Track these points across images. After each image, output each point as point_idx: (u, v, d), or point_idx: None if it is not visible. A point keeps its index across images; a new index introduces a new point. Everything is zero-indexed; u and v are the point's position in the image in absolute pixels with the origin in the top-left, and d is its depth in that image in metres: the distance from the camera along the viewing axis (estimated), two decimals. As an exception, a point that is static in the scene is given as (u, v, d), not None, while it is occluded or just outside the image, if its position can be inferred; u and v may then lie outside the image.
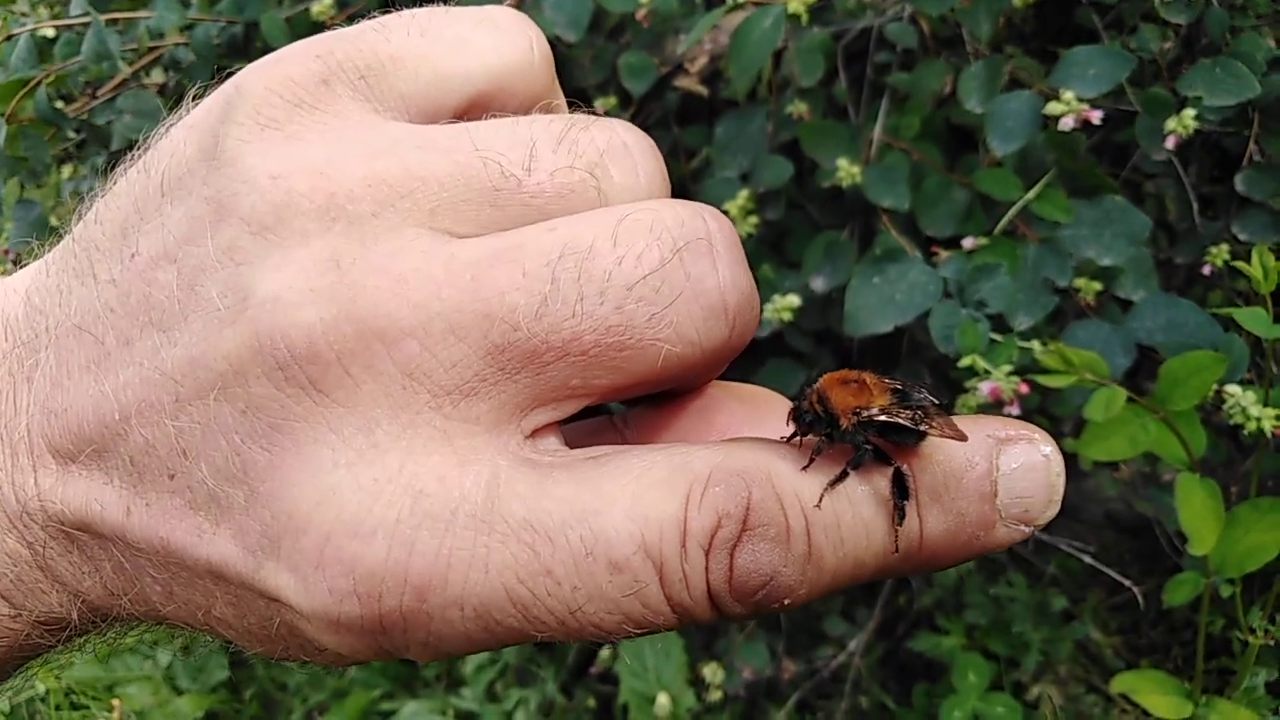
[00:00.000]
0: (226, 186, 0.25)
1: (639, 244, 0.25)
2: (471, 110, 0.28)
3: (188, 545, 0.25)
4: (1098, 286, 0.80)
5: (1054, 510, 0.27)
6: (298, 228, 0.24)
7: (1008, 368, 0.70)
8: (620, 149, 0.28)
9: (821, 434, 0.27)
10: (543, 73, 0.30)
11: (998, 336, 0.73)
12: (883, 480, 0.26)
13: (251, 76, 0.27)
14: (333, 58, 0.27)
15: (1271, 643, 0.78)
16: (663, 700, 1.11)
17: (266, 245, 0.24)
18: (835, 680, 1.18)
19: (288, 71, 0.27)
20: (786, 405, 0.31)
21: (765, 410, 0.31)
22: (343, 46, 0.27)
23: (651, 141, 0.29)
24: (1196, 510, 0.67)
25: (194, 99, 0.28)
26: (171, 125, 0.28)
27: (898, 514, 0.26)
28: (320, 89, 0.27)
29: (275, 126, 0.26)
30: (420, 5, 0.29)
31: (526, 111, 0.29)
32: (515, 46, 0.29)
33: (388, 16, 0.28)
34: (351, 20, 1.03)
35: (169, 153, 0.27)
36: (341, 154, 0.25)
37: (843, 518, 0.26)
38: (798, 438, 0.28)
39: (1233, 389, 0.68)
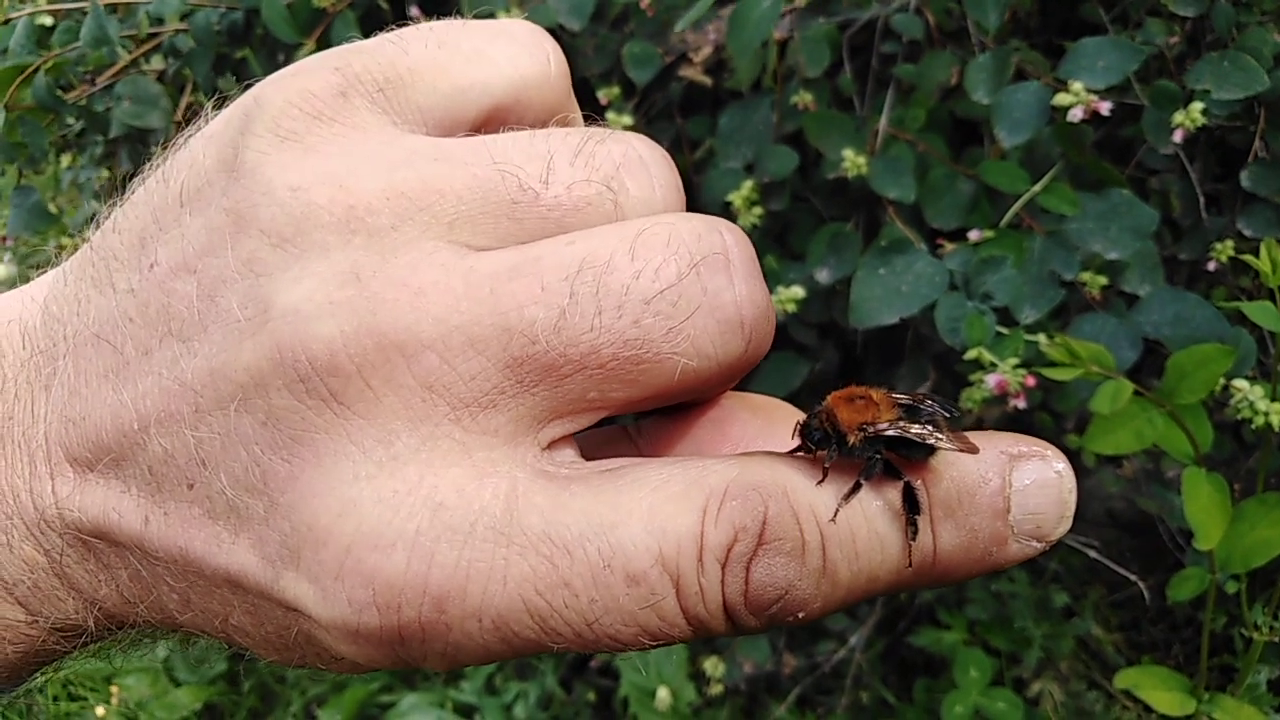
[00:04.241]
0: (246, 198, 0.25)
1: (656, 258, 0.25)
2: (488, 123, 0.29)
3: (206, 555, 0.25)
4: (1104, 280, 0.80)
5: (1066, 527, 0.27)
6: (317, 240, 0.25)
7: (1014, 360, 0.69)
8: (636, 162, 0.28)
9: (830, 450, 0.27)
10: (559, 86, 0.30)
11: (1004, 330, 0.73)
12: (896, 495, 0.26)
13: (270, 89, 0.27)
14: (350, 70, 0.27)
15: (1275, 640, 0.77)
16: (663, 694, 1.11)
17: (286, 257, 0.25)
18: (836, 675, 1.18)
19: (306, 84, 0.27)
20: (798, 415, 0.31)
21: (778, 421, 0.31)
22: (361, 59, 0.27)
23: (667, 155, 0.29)
24: (1203, 505, 0.67)
25: (213, 110, 0.29)
26: (190, 136, 0.28)
27: (910, 529, 0.26)
28: (338, 101, 0.27)
29: (294, 139, 0.26)
30: (435, 14, 0.29)
31: (543, 124, 0.29)
32: (532, 59, 0.29)
33: (405, 29, 0.29)
34: (353, 6, 1.02)
35: (188, 163, 0.27)
36: (360, 166, 0.26)
37: (858, 532, 0.26)
38: (812, 452, 0.28)
39: (1240, 383, 0.67)
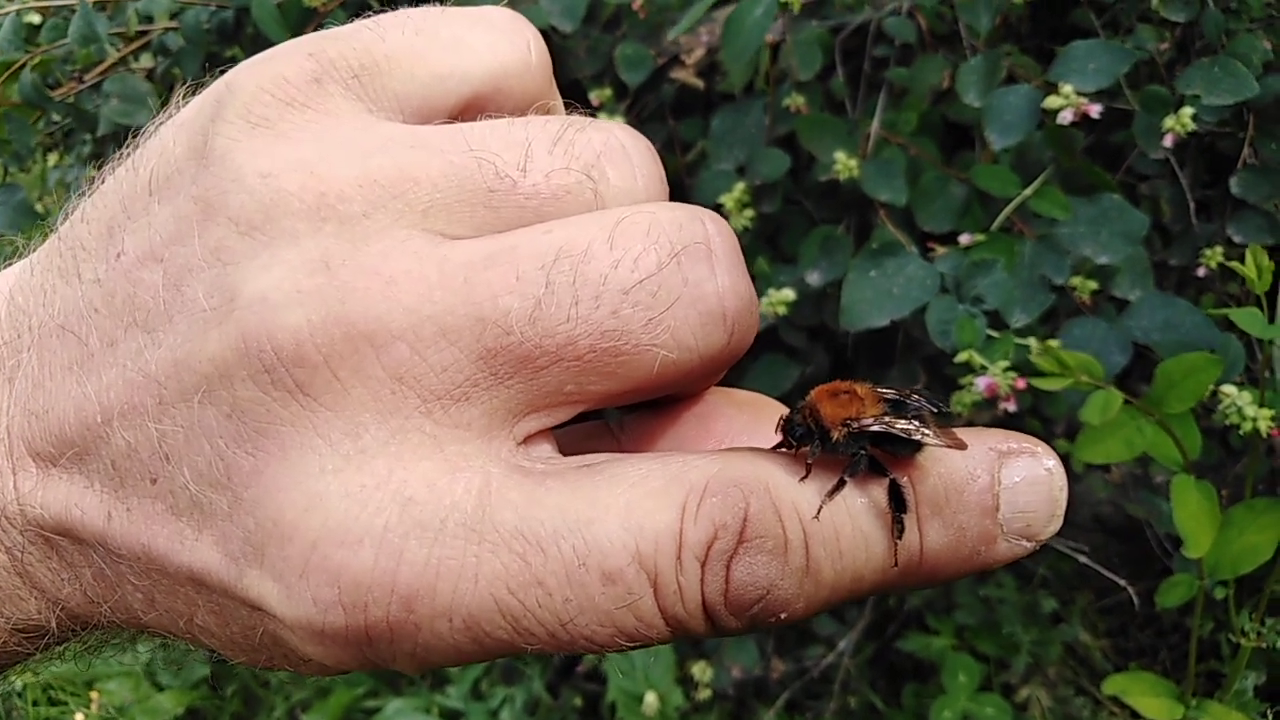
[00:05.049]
0: (215, 185, 0.24)
1: (636, 247, 0.25)
2: (467, 111, 0.28)
3: (169, 552, 0.24)
4: (1094, 285, 0.80)
5: (1056, 525, 0.26)
6: (287, 227, 0.24)
7: (1004, 364, 0.69)
8: (618, 151, 0.27)
9: (813, 446, 0.27)
10: (539, 74, 0.29)
11: (994, 333, 0.73)
12: (881, 492, 0.26)
13: (243, 74, 0.26)
14: (325, 56, 0.26)
15: (1263, 645, 0.78)
16: (650, 699, 1.10)
17: (254, 245, 0.24)
18: (824, 680, 1.18)
19: (280, 70, 0.26)
20: (785, 412, 0.30)
21: (764, 417, 0.30)
22: (336, 45, 0.27)
23: (649, 144, 0.28)
24: (1192, 512, 0.67)
25: (184, 97, 0.28)
26: (161, 124, 0.27)
27: (897, 527, 0.25)
28: (312, 87, 0.26)
29: (266, 125, 0.25)
30: (414, 3, 0.29)
31: (523, 113, 0.28)
32: (512, 47, 0.28)
33: (382, 15, 0.28)
34: (344, 6, 1.01)
35: (158, 151, 0.26)
36: (333, 153, 0.25)
37: (842, 530, 0.25)
38: (794, 448, 0.27)
39: (1228, 389, 0.67)
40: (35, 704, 1.39)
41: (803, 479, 0.25)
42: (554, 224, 0.25)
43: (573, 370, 0.24)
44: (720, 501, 0.24)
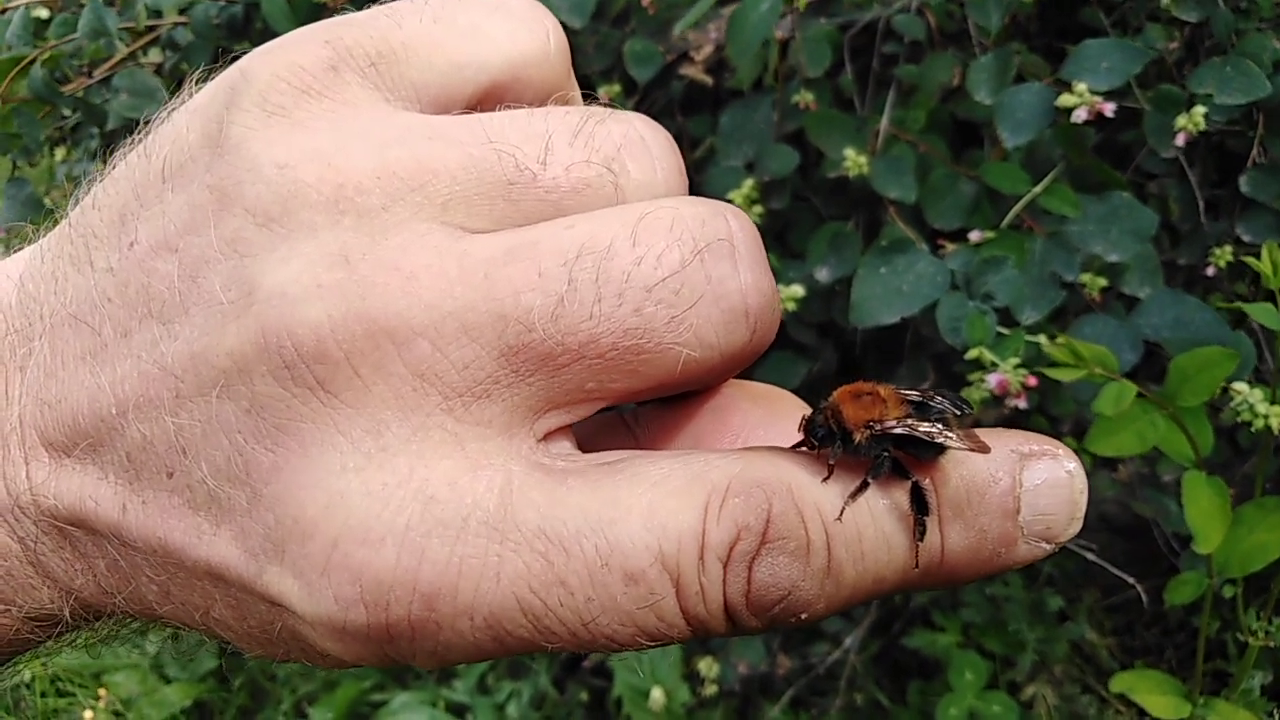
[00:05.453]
0: (230, 175, 0.24)
1: (659, 244, 0.24)
2: (485, 101, 0.27)
3: (186, 546, 0.24)
4: (1103, 282, 0.80)
5: (1076, 528, 0.26)
6: (305, 220, 0.24)
7: (1015, 360, 0.69)
8: (638, 143, 0.27)
9: (835, 447, 0.27)
10: (558, 63, 0.29)
11: (1004, 330, 0.73)
12: (903, 494, 0.26)
13: (258, 61, 0.26)
14: (342, 44, 0.26)
15: (1270, 645, 0.78)
16: (656, 695, 1.10)
17: (272, 237, 0.24)
18: (830, 677, 1.18)
19: (295, 57, 0.26)
20: (800, 404, 0.30)
21: (780, 410, 0.30)
22: (353, 32, 0.26)
23: (669, 136, 0.28)
24: (1203, 508, 0.67)
25: (197, 83, 0.27)
26: (174, 109, 0.27)
27: (918, 529, 0.25)
28: (329, 76, 0.26)
29: (282, 114, 0.25)
30: None
31: (541, 103, 0.28)
32: (531, 35, 0.28)
33: (399, 2, 0.27)
34: (353, 3, 1.02)
35: (171, 138, 0.26)
36: (351, 144, 0.24)
37: (864, 532, 0.25)
38: (816, 448, 0.27)
39: (1240, 386, 0.67)
40: (43, 695, 1.40)
41: (825, 480, 0.25)
42: (576, 219, 0.25)
43: (595, 368, 0.24)
44: (743, 502, 0.24)
